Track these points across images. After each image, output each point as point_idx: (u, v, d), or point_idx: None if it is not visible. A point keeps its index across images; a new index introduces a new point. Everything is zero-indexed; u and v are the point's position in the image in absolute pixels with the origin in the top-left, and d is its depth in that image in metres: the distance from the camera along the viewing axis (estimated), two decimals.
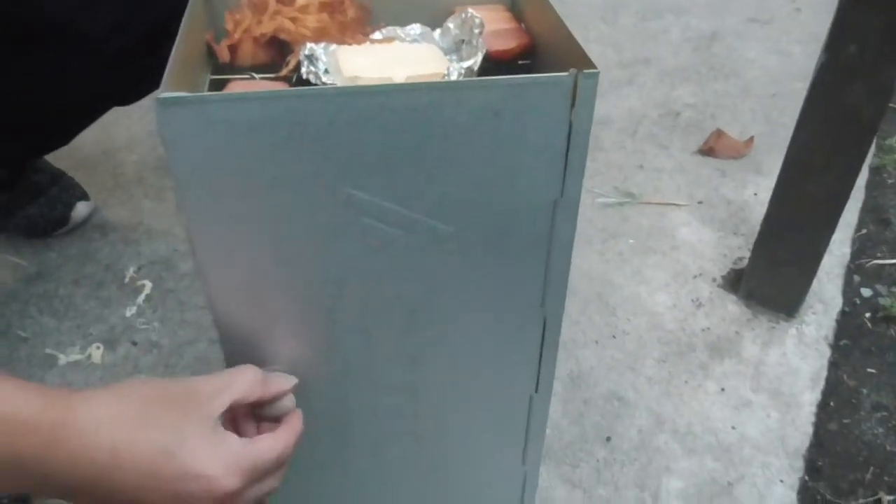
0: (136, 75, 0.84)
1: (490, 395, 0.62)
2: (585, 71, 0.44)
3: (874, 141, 1.43)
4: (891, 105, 1.56)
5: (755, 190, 1.28)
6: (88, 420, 0.41)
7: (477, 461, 0.68)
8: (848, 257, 1.15)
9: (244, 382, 0.48)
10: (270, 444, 0.48)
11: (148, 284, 1.07)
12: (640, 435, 0.90)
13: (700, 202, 1.25)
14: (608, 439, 0.89)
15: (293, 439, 0.50)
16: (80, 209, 1.14)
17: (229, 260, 0.49)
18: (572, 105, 0.45)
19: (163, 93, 0.42)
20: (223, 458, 0.44)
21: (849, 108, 0.83)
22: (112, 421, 0.42)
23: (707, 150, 1.36)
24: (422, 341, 0.56)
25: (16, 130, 0.93)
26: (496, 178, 0.48)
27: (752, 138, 1.38)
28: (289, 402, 0.52)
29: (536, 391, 0.63)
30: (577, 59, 0.46)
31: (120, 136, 1.35)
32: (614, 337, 1.01)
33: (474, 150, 0.46)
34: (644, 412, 0.92)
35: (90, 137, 1.07)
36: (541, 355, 0.60)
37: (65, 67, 0.82)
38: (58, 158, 1.14)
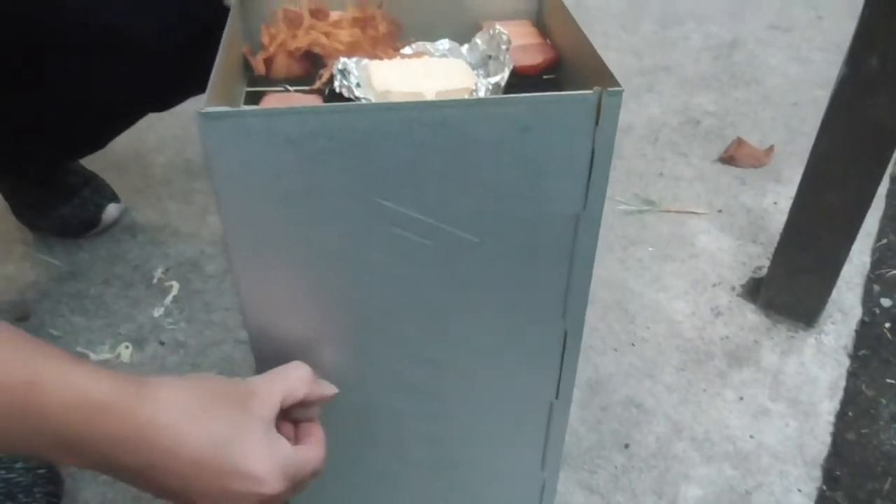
0: (175, 82, 0.86)
1: (511, 400, 0.63)
2: (609, 89, 0.45)
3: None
4: None
5: (775, 199, 1.28)
6: (156, 405, 0.43)
7: (496, 466, 0.70)
8: (868, 267, 1.15)
9: (295, 379, 0.50)
10: (314, 453, 0.50)
11: (175, 285, 1.09)
12: (658, 442, 0.91)
13: (720, 210, 1.26)
14: (626, 446, 0.90)
15: (324, 451, 0.52)
16: (111, 211, 1.16)
17: (263, 264, 0.51)
18: (596, 122, 0.46)
19: (205, 107, 0.44)
20: (274, 460, 0.45)
21: (870, 120, 0.83)
22: (178, 409, 0.44)
23: (727, 159, 1.37)
24: (445, 346, 0.58)
25: (55, 133, 0.96)
26: (521, 191, 0.49)
27: (772, 147, 1.38)
28: (316, 409, 0.54)
29: (557, 397, 0.64)
30: (601, 76, 0.47)
31: (150, 138, 1.38)
32: (633, 344, 1.03)
33: (501, 163, 0.48)
34: (662, 419, 0.93)
35: (122, 140, 1.10)
36: (562, 363, 0.61)
37: (108, 74, 0.84)
38: (90, 160, 1.16)
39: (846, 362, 1.01)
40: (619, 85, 0.45)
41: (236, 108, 0.44)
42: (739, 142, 1.39)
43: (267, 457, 0.45)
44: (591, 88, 0.45)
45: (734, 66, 1.67)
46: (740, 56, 1.71)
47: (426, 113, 0.45)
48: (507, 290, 0.55)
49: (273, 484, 0.45)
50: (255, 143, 0.44)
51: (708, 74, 1.64)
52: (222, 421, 0.45)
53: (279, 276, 0.52)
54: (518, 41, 0.60)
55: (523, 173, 0.48)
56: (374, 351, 0.57)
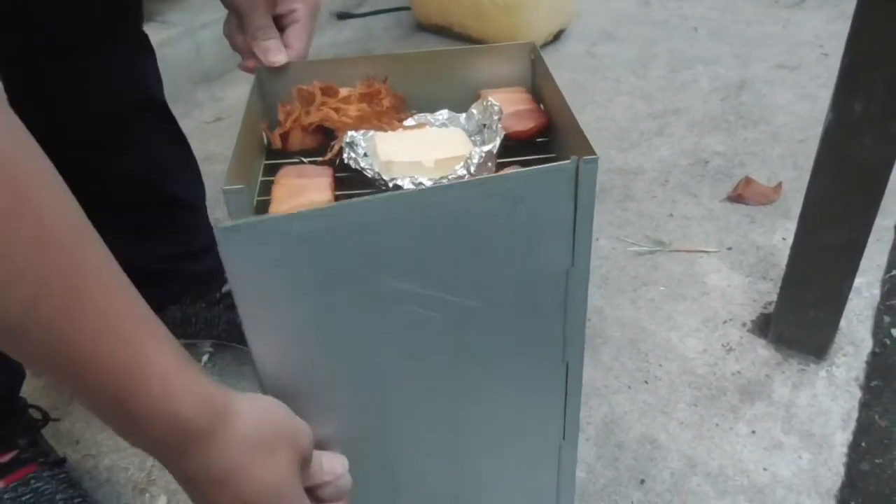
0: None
1: (522, 447, 0.67)
2: (585, 158, 0.50)
3: None
4: None
5: (784, 235, 1.31)
6: (233, 434, 0.46)
7: None
8: (877, 299, 1.17)
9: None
10: None
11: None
12: (674, 477, 0.93)
13: (729, 248, 1.29)
14: (642, 482, 0.93)
15: None
16: None
17: (282, 349, 0.53)
18: (576, 187, 0.51)
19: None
20: None
21: (859, 160, 0.87)
22: (249, 446, 0.47)
23: (736, 197, 1.40)
24: (458, 405, 0.61)
25: None
26: (516, 255, 0.53)
27: (780, 184, 1.41)
28: (345, 482, 0.57)
29: (564, 438, 0.68)
30: (579, 145, 0.52)
31: None
32: (646, 382, 1.06)
33: (496, 233, 0.52)
34: (677, 455, 0.96)
35: None
36: (565, 404, 0.65)
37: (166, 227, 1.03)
38: None
39: (858, 394, 1.03)
40: (594, 153, 0.50)
41: (251, 219, 0.47)
42: (747, 180, 1.42)
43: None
44: (569, 158, 0.50)
45: (742, 106, 1.72)
46: (748, 96, 1.75)
47: (426, 198, 0.49)
48: (510, 345, 0.59)
49: None
50: (271, 247, 0.47)
51: (717, 116, 1.69)
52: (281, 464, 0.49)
53: (296, 359, 0.54)
54: (512, 108, 0.65)
55: (516, 239, 0.53)
56: (392, 415, 0.60)
